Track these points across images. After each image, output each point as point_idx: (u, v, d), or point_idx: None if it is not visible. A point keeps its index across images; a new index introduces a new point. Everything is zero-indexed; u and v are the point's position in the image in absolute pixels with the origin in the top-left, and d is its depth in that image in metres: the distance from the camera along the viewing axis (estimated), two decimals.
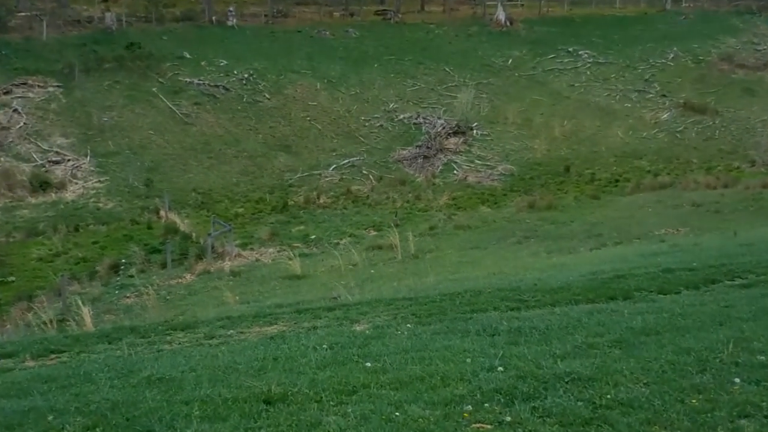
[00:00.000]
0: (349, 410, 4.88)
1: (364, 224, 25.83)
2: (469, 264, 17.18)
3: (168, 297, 17.73)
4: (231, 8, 43.88)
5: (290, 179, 30.90)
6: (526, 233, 22.08)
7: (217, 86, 36.98)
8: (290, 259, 19.44)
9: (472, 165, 32.86)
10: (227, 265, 20.86)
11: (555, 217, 24.78)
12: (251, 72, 38.60)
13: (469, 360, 5.91)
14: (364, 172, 31.95)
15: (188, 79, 37.00)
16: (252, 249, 22.92)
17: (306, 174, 31.41)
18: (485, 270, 14.53)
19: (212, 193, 29.15)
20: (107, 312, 15.91)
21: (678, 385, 5.13)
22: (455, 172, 32.19)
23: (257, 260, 21.70)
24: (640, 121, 37.47)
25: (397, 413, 4.79)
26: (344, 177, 31.42)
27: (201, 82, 37.00)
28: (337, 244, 22.99)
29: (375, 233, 24.44)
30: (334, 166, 32.31)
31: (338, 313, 8.81)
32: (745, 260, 10.74)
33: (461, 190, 30.10)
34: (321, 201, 28.69)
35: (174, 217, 25.92)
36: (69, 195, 27.95)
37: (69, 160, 30.16)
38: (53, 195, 27.71)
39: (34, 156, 30.11)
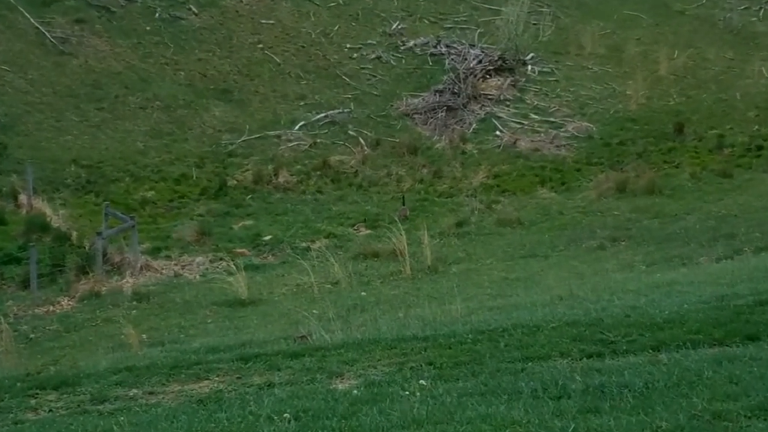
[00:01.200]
0: None
1: (350, 217, 25.84)
2: (520, 282, 17.13)
3: (33, 335, 17.69)
4: None
5: (231, 144, 30.90)
6: (612, 232, 22.01)
7: None
8: (231, 273, 19.34)
9: (526, 122, 32.81)
10: (129, 283, 20.90)
11: (660, 207, 24.79)
12: None
13: None
14: (351, 133, 31.94)
15: None
16: (169, 257, 22.93)
17: (257, 136, 31.42)
18: (546, 292, 14.55)
19: (104, 166, 29.14)
20: None
21: None
22: (498, 133, 32.09)
23: (177, 275, 21.69)
24: None
25: None
26: (319, 141, 31.37)
27: None
28: (308, 249, 22.97)
29: (368, 232, 24.52)
30: (303, 123, 32.25)
31: (308, 362, 8.89)
32: None
33: (508, 163, 30.06)
34: (281, 180, 28.64)
35: (42, 205, 25.87)
36: None
37: None
38: None
39: None
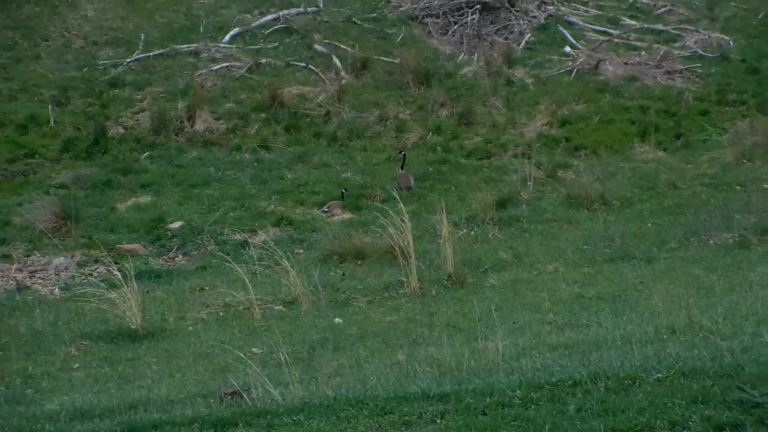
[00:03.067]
0: None
1: (317, 192, 21.27)
2: (604, 303, 14.35)
3: None
4: None
5: (115, 67, 25.62)
6: (762, 220, 18.33)
7: None
8: (114, 285, 16.03)
9: (615, 32, 27.46)
10: None
11: None
12: None
13: None
14: (320, 48, 26.51)
15: None
16: (8, 258, 19.32)
17: (159, 53, 25.94)
18: (649, 321, 12.67)
19: None
20: None
21: None
22: (568, 50, 26.75)
23: (22, 288, 18.36)
24: None
25: None
26: (265, 62, 25.98)
27: None
28: (244, 245, 18.94)
29: (348, 216, 20.35)
30: (237, 31, 26.95)
31: None
32: None
33: (585, 100, 24.86)
34: (200, 127, 23.80)
35: None
36: None
37: None
38: None
39: None
